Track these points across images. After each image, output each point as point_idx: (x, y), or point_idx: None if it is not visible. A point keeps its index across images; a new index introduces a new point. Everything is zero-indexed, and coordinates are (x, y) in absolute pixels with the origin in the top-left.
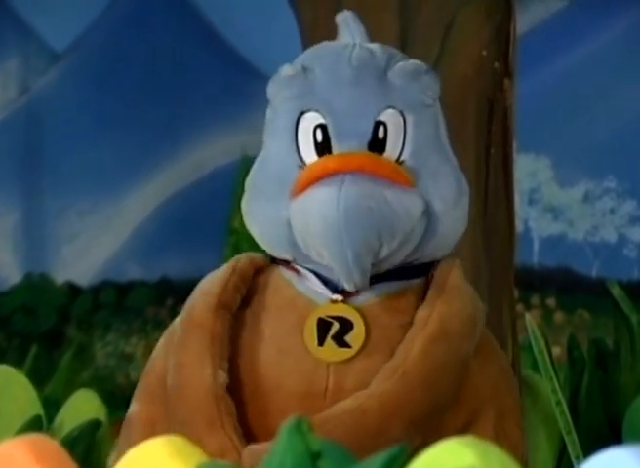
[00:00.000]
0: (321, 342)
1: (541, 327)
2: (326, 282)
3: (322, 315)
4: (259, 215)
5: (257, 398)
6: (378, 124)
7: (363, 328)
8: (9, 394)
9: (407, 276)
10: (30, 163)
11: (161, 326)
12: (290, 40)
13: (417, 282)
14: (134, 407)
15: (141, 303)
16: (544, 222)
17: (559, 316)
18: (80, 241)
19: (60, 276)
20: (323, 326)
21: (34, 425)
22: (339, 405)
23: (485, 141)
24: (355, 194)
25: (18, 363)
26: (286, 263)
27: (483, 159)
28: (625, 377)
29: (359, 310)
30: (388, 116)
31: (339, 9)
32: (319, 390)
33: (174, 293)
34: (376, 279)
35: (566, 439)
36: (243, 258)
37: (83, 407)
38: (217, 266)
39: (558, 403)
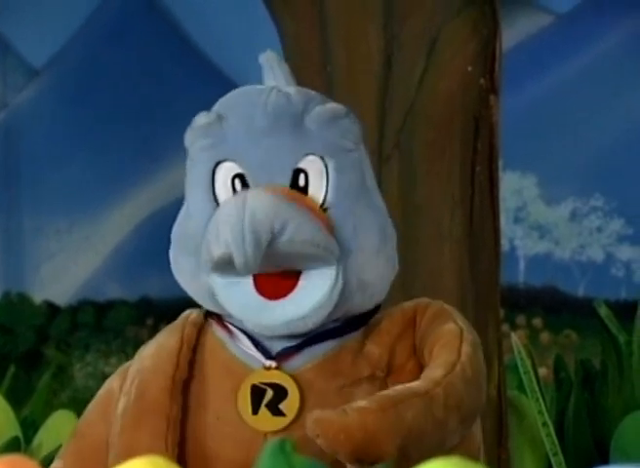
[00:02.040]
0: (255, 410)
1: (527, 347)
2: (258, 344)
3: (255, 382)
4: (183, 270)
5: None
6: (297, 172)
7: (298, 395)
8: None
9: (340, 333)
10: (8, 180)
11: (141, 346)
12: None
13: (352, 337)
14: (57, 464)
15: (121, 323)
16: (530, 241)
17: (545, 336)
18: (58, 260)
19: (39, 295)
20: (257, 393)
21: (12, 446)
22: (405, 386)
23: (470, 159)
24: (264, 197)
25: None
26: (219, 320)
27: (468, 176)
28: (613, 399)
29: (293, 376)
30: (308, 163)
31: (321, 22)
32: (257, 460)
33: (154, 313)
34: (309, 341)
35: (552, 461)
36: (188, 324)
37: (62, 428)
38: None
39: (544, 424)
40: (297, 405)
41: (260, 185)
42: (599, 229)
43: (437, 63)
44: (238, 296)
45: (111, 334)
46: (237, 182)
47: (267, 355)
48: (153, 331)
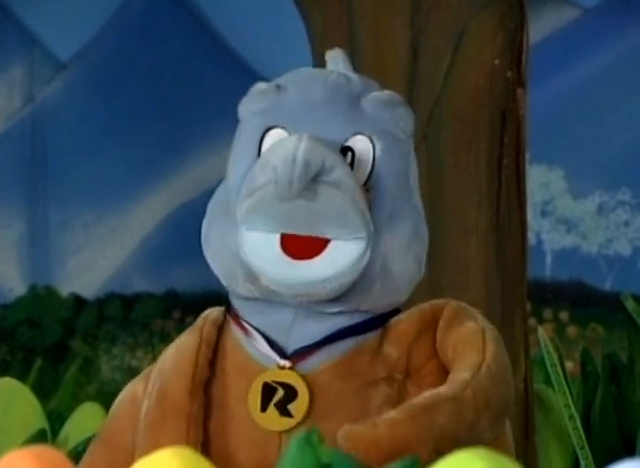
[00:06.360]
0: (264, 408)
1: (554, 341)
2: (273, 344)
3: (268, 380)
4: (213, 237)
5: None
6: (345, 149)
7: (307, 397)
8: (13, 407)
9: (358, 332)
10: (35, 173)
11: (168, 339)
12: (300, 50)
13: (370, 337)
14: None
15: (148, 316)
16: (557, 235)
17: (572, 330)
18: (85, 253)
19: (66, 288)
20: (268, 391)
21: (39, 439)
22: (433, 392)
23: (497, 152)
24: (321, 140)
25: (22, 376)
26: (236, 318)
27: (495, 170)
28: (639, 392)
29: (307, 378)
30: (356, 142)
31: (349, 16)
32: (272, 460)
33: (180, 306)
34: (326, 340)
35: (579, 454)
36: (207, 324)
37: (88, 420)
38: None
39: (571, 417)
40: (305, 406)
41: None
42: (626, 223)
43: (464, 57)
44: (264, 252)
45: (138, 327)
46: None
47: (282, 355)
48: (180, 323)
